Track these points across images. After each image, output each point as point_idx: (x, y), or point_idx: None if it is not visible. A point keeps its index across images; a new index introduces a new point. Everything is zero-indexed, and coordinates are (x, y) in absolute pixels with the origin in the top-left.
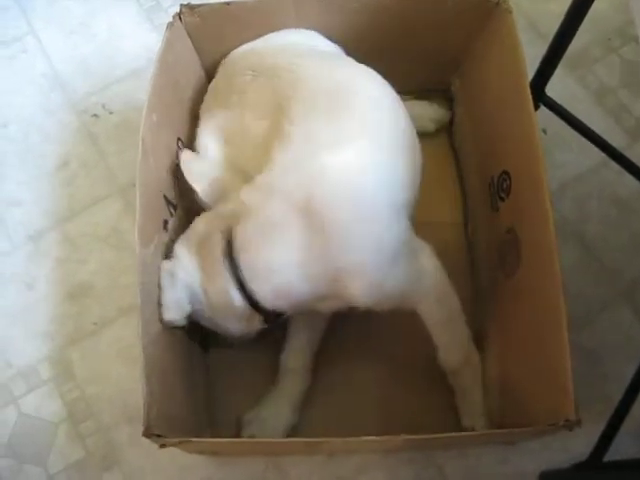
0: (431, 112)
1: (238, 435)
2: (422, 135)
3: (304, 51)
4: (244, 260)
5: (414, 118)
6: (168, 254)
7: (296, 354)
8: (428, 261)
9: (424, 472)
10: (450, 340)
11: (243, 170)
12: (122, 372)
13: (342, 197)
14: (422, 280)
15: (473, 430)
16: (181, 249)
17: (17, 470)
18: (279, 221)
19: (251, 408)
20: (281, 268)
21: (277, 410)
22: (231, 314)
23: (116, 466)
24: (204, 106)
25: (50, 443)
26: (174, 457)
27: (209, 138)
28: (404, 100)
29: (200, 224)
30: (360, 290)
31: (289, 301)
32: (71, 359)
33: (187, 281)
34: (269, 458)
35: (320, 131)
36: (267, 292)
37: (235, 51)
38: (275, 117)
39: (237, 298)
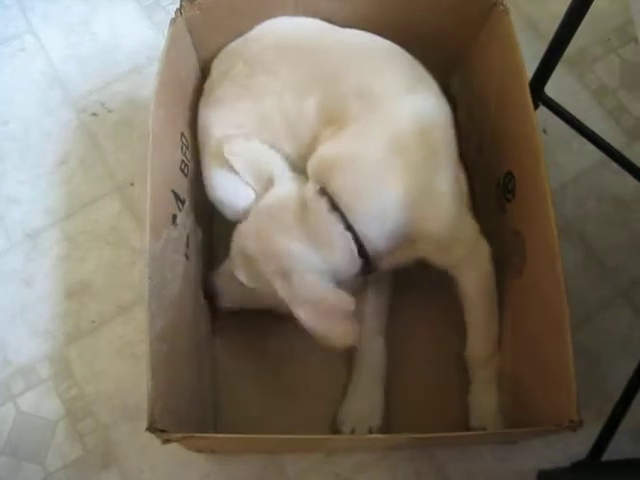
0: None
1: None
2: None
3: (318, 26)
4: (357, 209)
5: None
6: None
7: (369, 336)
8: (481, 235)
9: (424, 470)
10: (483, 333)
11: (285, 152)
12: (121, 370)
13: (431, 130)
14: (480, 246)
15: (484, 430)
16: (278, 237)
17: (15, 468)
18: (381, 163)
19: (342, 403)
20: (393, 208)
21: (368, 396)
22: (343, 272)
23: (114, 464)
24: (211, 96)
25: (48, 441)
26: (172, 455)
27: (231, 131)
28: None
29: (282, 199)
30: (441, 223)
31: (394, 243)
32: (70, 357)
33: (300, 267)
34: (268, 456)
35: (384, 83)
36: (381, 236)
37: (231, 45)
38: (323, 89)
39: (354, 251)
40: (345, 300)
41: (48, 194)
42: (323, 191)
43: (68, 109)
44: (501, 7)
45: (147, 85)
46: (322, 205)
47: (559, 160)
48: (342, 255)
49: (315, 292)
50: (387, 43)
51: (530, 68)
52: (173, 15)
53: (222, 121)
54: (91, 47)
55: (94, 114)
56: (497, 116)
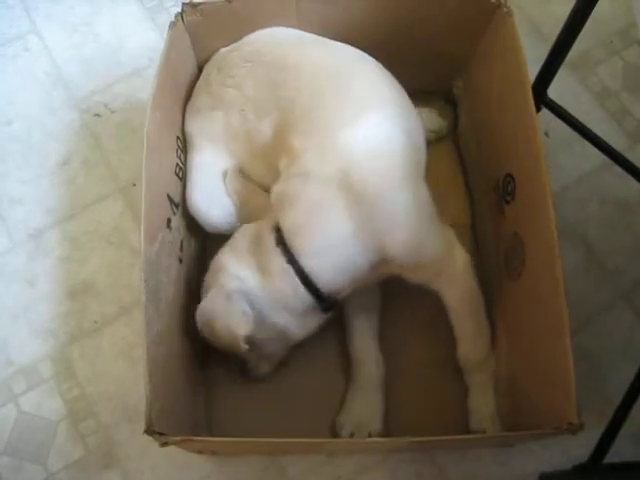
0: (430, 124)
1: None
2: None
3: (297, 40)
4: (300, 244)
5: None
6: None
7: (362, 343)
8: (457, 243)
9: (425, 473)
10: (472, 335)
11: (250, 173)
12: (122, 371)
13: (375, 165)
14: (454, 258)
15: (483, 433)
16: (228, 259)
17: (17, 468)
18: (324, 200)
19: (341, 409)
20: (338, 242)
21: (367, 402)
22: (291, 308)
23: (116, 465)
24: (193, 104)
25: (50, 441)
26: (174, 456)
27: (207, 144)
28: None
29: (245, 230)
30: (402, 249)
31: (349, 275)
32: (72, 357)
33: (242, 288)
34: (268, 457)
35: (334, 112)
36: (329, 270)
37: (224, 48)
38: (281, 110)
39: (297, 285)
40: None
41: (51, 194)
42: (276, 225)
43: (71, 109)
44: (504, 9)
45: (149, 86)
46: (270, 239)
47: (561, 163)
48: (284, 288)
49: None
50: (360, 62)
51: (533, 71)
52: (173, 18)
53: (200, 131)
54: (94, 48)
55: (97, 115)
56: (498, 118)
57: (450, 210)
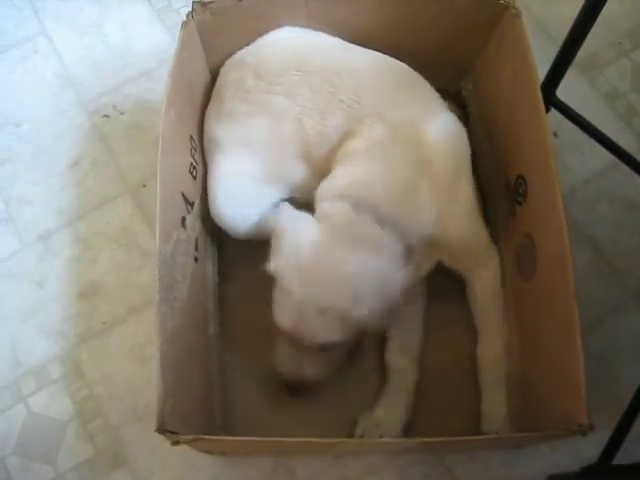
0: None
1: (351, 435)
2: None
3: (340, 45)
4: (398, 217)
5: None
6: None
7: (401, 353)
8: (493, 243)
9: (433, 474)
10: (494, 329)
11: (289, 179)
12: (131, 371)
13: (452, 148)
14: (492, 254)
15: (495, 434)
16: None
17: (26, 468)
18: (409, 182)
19: (366, 409)
20: (425, 219)
21: (391, 409)
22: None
23: (125, 465)
24: (222, 109)
25: (59, 442)
26: (183, 456)
27: (239, 150)
28: None
29: (334, 217)
30: (459, 233)
31: (422, 249)
32: (81, 358)
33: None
34: (278, 458)
35: (405, 107)
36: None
37: (240, 54)
38: (345, 112)
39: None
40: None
41: (60, 195)
42: (360, 208)
43: (80, 111)
44: (513, 10)
45: (158, 88)
46: (366, 219)
47: (570, 163)
48: (391, 260)
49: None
50: (400, 65)
51: (541, 71)
52: (185, 18)
53: (231, 136)
54: (103, 49)
55: (106, 116)
56: (508, 119)
57: None
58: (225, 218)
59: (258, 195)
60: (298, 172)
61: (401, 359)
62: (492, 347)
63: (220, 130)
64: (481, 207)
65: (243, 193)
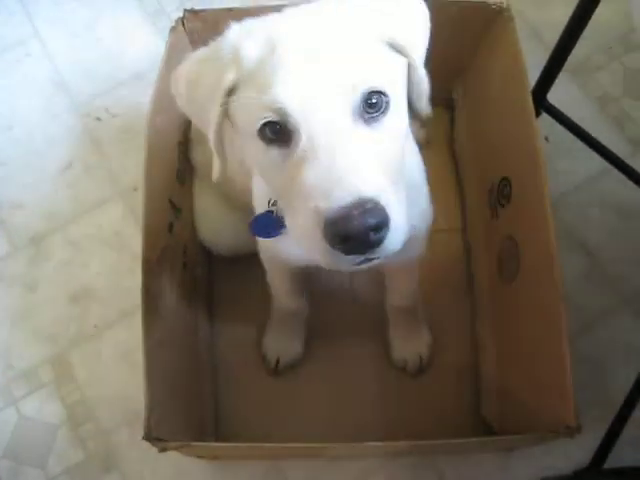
0: None
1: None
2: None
3: None
4: None
5: None
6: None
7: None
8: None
9: (426, 477)
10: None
11: None
12: (123, 375)
13: None
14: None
15: (405, 365)
16: None
17: (16, 472)
18: None
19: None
20: None
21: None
22: None
23: (116, 469)
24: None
25: (50, 445)
26: (174, 461)
27: None
28: None
29: None
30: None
31: None
32: (72, 362)
33: None
34: (269, 462)
35: None
36: None
37: None
38: None
39: None
40: None
41: (52, 199)
42: None
43: (72, 114)
44: (506, 14)
45: (151, 91)
46: None
47: (561, 168)
48: None
49: None
50: None
51: (533, 76)
52: (173, 24)
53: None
54: (96, 52)
55: (98, 119)
56: (497, 122)
57: (442, 214)
58: (206, 243)
59: (233, 221)
60: None
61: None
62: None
63: (197, 153)
64: None
65: (218, 223)
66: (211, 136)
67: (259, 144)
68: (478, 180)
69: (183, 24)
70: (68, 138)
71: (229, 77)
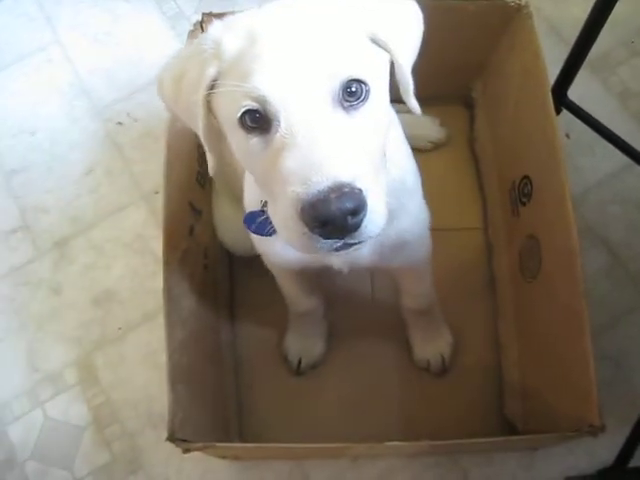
0: (429, 133)
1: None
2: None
3: None
4: None
5: (412, 138)
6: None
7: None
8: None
9: (449, 477)
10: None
11: None
12: (147, 377)
13: None
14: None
15: (428, 366)
16: None
17: (43, 473)
18: None
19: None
20: None
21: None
22: None
23: (141, 470)
24: None
25: (76, 447)
26: (198, 462)
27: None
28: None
29: None
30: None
31: None
32: (96, 364)
33: None
34: (293, 462)
35: None
36: None
37: None
38: None
39: None
40: None
41: (75, 203)
42: None
43: (94, 119)
44: (524, 11)
45: None
46: None
47: (582, 165)
48: None
49: None
50: None
51: (553, 73)
52: (192, 27)
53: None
54: (116, 57)
55: (119, 123)
56: (517, 120)
57: (463, 213)
58: (225, 244)
59: None
60: None
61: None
62: (418, 304)
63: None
64: None
65: (235, 224)
66: (200, 132)
67: (240, 133)
68: (499, 178)
69: (202, 28)
70: (90, 143)
71: (211, 70)
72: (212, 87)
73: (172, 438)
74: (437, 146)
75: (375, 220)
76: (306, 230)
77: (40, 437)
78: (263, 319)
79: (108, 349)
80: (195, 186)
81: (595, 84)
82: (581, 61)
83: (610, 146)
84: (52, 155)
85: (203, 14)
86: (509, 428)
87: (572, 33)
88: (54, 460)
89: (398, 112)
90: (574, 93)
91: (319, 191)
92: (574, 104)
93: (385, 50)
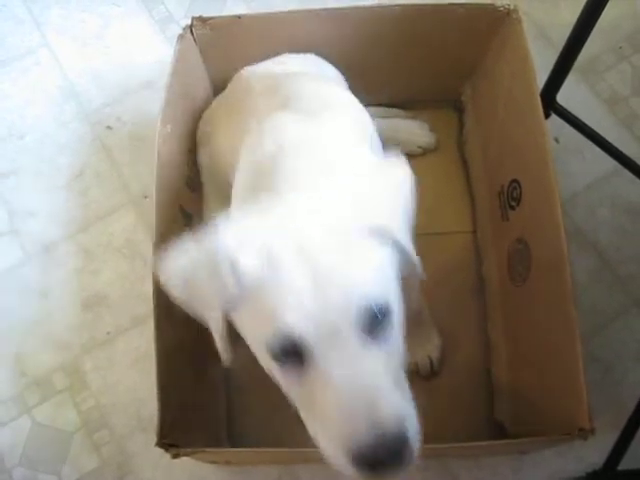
0: (419, 139)
1: None
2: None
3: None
4: None
5: (402, 143)
6: None
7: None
8: None
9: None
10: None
11: None
12: (136, 381)
13: None
14: None
15: (417, 369)
16: None
17: (32, 479)
18: None
19: None
20: None
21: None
22: None
23: (130, 475)
24: (215, 123)
25: (65, 452)
26: (188, 467)
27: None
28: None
29: None
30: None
31: None
32: (85, 368)
33: None
34: (283, 467)
35: None
36: None
37: (250, 68)
38: None
39: None
40: None
41: (64, 207)
42: None
43: (83, 122)
44: (513, 16)
45: (160, 98)
46: None
47: (571, 169)
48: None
49: None
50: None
51: (542, 77)
52: (181, 31)
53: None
54: (105, 61)
55: (109, 127)
56: (506, 124)
57: (452, 216)
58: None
59: None
60: None
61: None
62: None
63: (201, 155)
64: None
65: None
66: (216, 337)
67: (271, 361)
68: (488, 182)
69: (191, 32)
70: (79, 146)
71: (229, 290)
72: (230, 302)
73: (161, 443)
74: (426, 151)
75: (416, 449)
76: (354, 469)
77: (28, 443)
78: None
79: (97, 353)
80: (185, 190)
81: (583, 89)
82: (570, 66)
83: (599, 150)
84: (41, 158)
85: (193, 18)
86: (499, 431)
87: (561, 38)
88: (42, 466)
89: (386, 117)
90: (563, 97)
91: (366, 442)
92: (563, 108)
93: (387, 234)
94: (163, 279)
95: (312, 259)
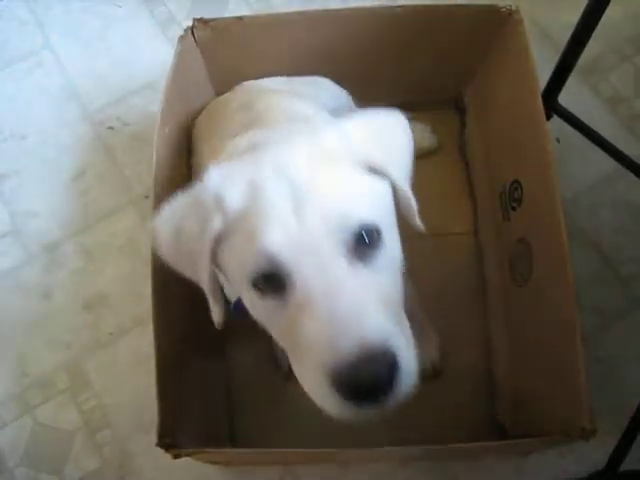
0: (420, 141)
1: None
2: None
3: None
4: None
5: None
6: None
7: None
8: None
9: None
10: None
11: None
12: (138, 382)
13: None
14: None
15: (433, 366)
16: None
17: (33, 479)
18: None
19: None
20: None
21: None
22: None
23: (132, 476)
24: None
25: (66, 452)
26: (189, 467)
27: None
28: None
29: None
30: None
31: None
32: (87, 369)
33: None
34: (284, 468)
35: None
36: None
37: (255, 82)
38: None
39: None
40: None
41: (65, 207)
42: None
43: (85, 123)
44: (515, 17)
45: (160, 99)
46: None
47: (573, 170)
48: None
49: None
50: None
51: (543, 78)
52: (182, 33)
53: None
54: (107, 62)
55: (110, 127)
56: (507, 125)
57: (453, 217)
58: None
59: None
60: None
61: None
62: None
63: (194, 154)
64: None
65: None
66: (205, 285)
67: (253, 294)
68: (489, 183)
69: (193, 33)
70: (80, 147)
71: (215, 225)
72: (216, 240)
73: (162, 444)
74: (428, 152)
75: (408, 381)
76: (339, 398)
77: (30, 443)
78: (254, 322)
79: (99, 354)
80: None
81: (585, 90)
82: (571, 67)
83: (600, 151)
84: (43, 159)
85: (194, 19)
86: (500, 432)
87: (563, 39)
88: (44, 466)
89: None
90: (564, 98)
91: (349, 362)
92: (565, 109)
93: (384, 175)
94: (153, 237)
95: (294, 183)
